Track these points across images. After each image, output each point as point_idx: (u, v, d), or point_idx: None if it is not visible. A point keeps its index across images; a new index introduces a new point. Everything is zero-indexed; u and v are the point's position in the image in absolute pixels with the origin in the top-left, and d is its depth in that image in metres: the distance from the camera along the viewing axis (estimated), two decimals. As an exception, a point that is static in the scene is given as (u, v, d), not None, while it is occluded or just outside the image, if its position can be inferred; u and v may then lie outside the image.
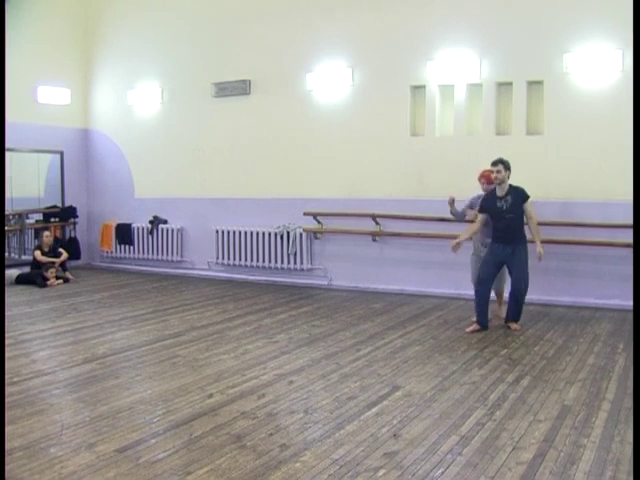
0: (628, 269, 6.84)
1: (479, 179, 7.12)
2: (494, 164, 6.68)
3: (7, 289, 9.19)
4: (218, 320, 7.39)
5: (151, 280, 10.37)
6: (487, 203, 6.83)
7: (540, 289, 8.25)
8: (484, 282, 6.82)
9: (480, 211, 6.88)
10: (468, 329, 6.75)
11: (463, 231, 7.15)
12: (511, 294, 6.88)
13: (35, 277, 9.75)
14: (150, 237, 11.27)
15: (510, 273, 6.87)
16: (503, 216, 6.66)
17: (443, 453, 3.70)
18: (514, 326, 6.86)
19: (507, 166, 6.69)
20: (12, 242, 11.41)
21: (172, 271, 11.03)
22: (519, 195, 6.71)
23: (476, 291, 6.92)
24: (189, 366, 5.50)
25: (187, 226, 11.02)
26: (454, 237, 8.52)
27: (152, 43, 11.14)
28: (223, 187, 10.55)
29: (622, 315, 7.38)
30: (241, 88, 10.26)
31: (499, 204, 6.68)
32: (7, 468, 3.43)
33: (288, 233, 9.87)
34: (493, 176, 6.70)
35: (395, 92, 9.10)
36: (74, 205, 11.63)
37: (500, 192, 6.71)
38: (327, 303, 8.44)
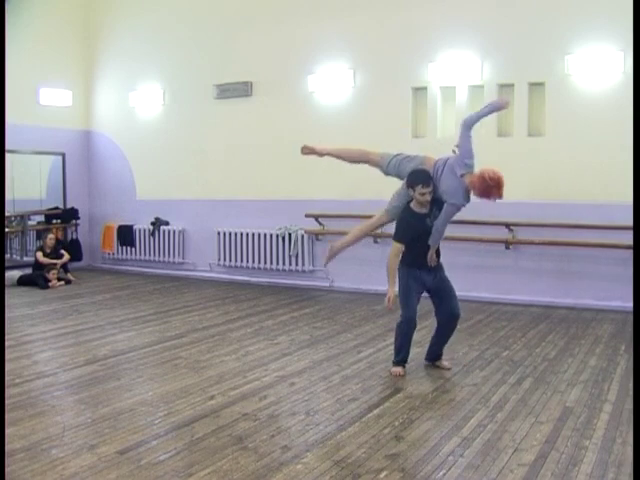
0: (630, 271, 6.84)
1: (482, 182, 5.05)
2: (428, 184, 5.12)
3: (9, 290, 9.20)
4: (219, 322, 7.39)
5: (153, 282, 10.37)
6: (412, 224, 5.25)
7: (541, 291, 8.27)
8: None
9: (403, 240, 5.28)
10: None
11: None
12: (446, 324, 5.47)
13: (37, 278, 9.76)
14: (152, 239, 11.27)
15: (440, 301, 5.47)
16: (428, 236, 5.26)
17: (445, 455, 3.70)
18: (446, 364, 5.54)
19: None
20: (14, 244, 11.44)
21: (174, 273, 11.04)
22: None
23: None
24: (190, 368, 5.50)
25: (189, 228, 11.03)
26: (456, 238, 8.55)
27: (154, 45, 11.15)
28: (225, 189, 10.55)
29: (623, 317, 7.37)
30: (242, 90, 10.26)
31: (429, 222, 5.23)
32: (9, 470, 3.43)
33: (290, 235, 9.88)
34: (426, 199, 5.15)
35: (396, 94, 9.10)
36: (76, 207, 11.64)
37: (425, 209, 5.24)
38: (329, 305, 8.44)
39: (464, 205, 5.20)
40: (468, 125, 5.20)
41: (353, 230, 5.89)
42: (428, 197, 5.13)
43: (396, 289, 5.35)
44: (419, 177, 5.14)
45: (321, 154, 5.77)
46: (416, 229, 5.21)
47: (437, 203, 5.21)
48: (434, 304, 5.51)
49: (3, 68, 8.63)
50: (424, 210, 5.22)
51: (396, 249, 5.27)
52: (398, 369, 5.33)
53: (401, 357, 5.38)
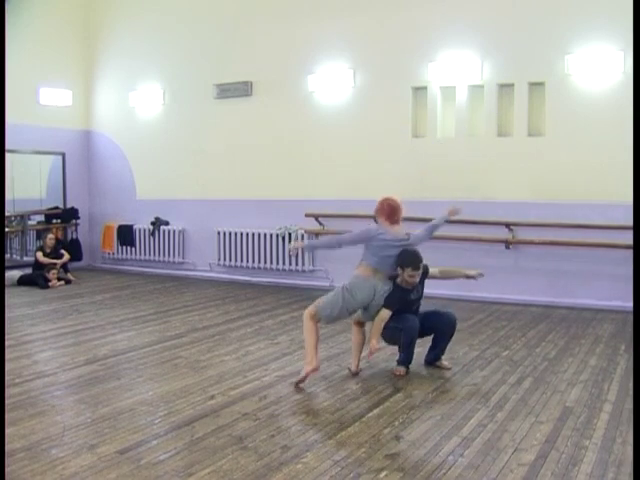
0: (629, 271, 6.84)
1: (382, 211, 5.40)
2: (417, 268, 5.20)
3: (9, 290, 9.20)
4: (219, 321, 7.39)
5: (153, 281, 10.37)
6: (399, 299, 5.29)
7: (541, 291, 8.27)
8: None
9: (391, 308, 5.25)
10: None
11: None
12: (446, 332, 5.51)
13: (37, 278, 9.76)
14: (152, 238, 11.27)
15: (434, 321, 5.50)
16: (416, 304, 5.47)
17: (445, 454, 3.70)
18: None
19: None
20: (14, 243, 11.44)
21: (174, 272, 11.04)
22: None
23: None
24: (190, 367, 5.50)
25: (189, 227, 11.03)
26: (456, 238, 8.57)
27: (154, 45, 11.15)
28: (225, 188, 10.55)
29: (623, 317, 7.37)
30: (243, 89, 10.27)
31: (413, 296, 5.37)
32: (9, 469, 3.43)
33: (290, 234, 9.88)
34: (414, 281, 5.24)
35: (396, 93, 9.11)
36: (76, 206, 11.65)
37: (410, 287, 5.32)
38: (328, 304, 8.43)
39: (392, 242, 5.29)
40: (334, 242, 5.61)
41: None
42: (416, 279, 5.24)
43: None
44: (411, 260, 5.21)
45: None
46: (403, 302, 5.28)
47: (422, 288, 5.44)
48: (430, 329, 5.50)
49: (3, 68, 8.63)
50: (409, 287, 5.31)
51: (385, 315, 5.21)
52: (400, 369, 5.33)
53: (404, 358, 5.38)
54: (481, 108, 8.66)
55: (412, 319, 5.32)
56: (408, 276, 5.20)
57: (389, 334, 5.34)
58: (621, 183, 7.51)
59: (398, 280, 5.30)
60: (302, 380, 4.99)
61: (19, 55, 10.48)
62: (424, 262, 5.30)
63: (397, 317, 5.25)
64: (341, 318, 5.39)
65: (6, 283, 9.56)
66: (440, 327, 5.49)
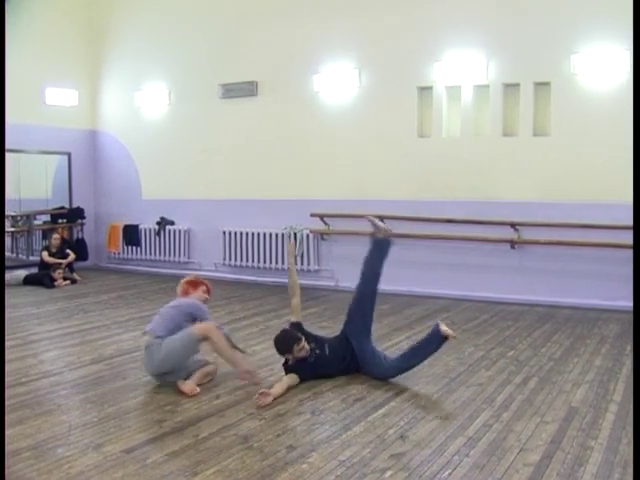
0: (636, 270, 6.83)
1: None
2: (299, 338, 5.06)
3: (15, 290, 9.24)
4: (225, 321, 7.38)
5: (158, 281, 10.39)
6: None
7: (547, 291, 8.25)
8: None
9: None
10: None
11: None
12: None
13: (43, 278, 9.79)
14: (157, 238, 11.30)
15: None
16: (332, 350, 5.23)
17: (450, 454, 3.70)
18: None
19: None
20: (20, 243, 11.48)
21: (179, 272, 11.00)
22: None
23: None
24: (196, 367, 5.49)
25: (194, 227, 11.05)
26: (461, 238, 8.57)
27: (159, 44, 11.17)
28: (230, 188, 10.56)
29: (629, 316, 7.32)
30: (248, 89, 10.28)
31: (318, 352, 5.16)
32: (15, 468, 3.45)
33: (295, 234, 9.88)
34: (302, 354, 5.03)
35: (402, 93, 9.10)
36: (82, 206, 11.68)
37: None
38: (334, 304, 8.42)
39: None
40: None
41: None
42: (306, 346, 5.04)
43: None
44: (290, 340, 5.06)
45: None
46: (315, 366, 5.09)
47: (314, 338, 5.26)
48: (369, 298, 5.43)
49: (3, 68, 8.63)
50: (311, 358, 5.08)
51: (293, 380, 4.97)
52: None
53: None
54: (486, 108, 8.64)
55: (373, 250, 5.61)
56: (298, 351, 4.99)
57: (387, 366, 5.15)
58: (627, 183, 7.43)
59: (290, 363, 5.05)
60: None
61: (25, 55, 10.51)
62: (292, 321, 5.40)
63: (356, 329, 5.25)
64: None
65: (12, 283, 9.63)
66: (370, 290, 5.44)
